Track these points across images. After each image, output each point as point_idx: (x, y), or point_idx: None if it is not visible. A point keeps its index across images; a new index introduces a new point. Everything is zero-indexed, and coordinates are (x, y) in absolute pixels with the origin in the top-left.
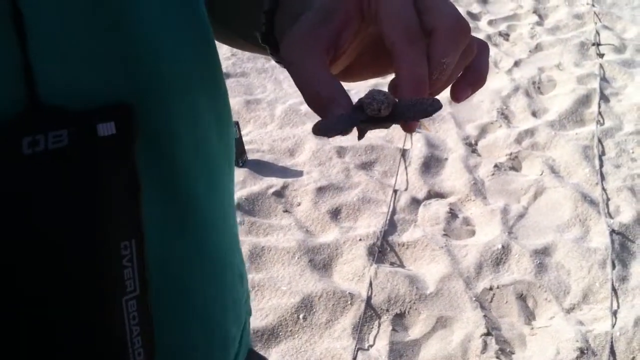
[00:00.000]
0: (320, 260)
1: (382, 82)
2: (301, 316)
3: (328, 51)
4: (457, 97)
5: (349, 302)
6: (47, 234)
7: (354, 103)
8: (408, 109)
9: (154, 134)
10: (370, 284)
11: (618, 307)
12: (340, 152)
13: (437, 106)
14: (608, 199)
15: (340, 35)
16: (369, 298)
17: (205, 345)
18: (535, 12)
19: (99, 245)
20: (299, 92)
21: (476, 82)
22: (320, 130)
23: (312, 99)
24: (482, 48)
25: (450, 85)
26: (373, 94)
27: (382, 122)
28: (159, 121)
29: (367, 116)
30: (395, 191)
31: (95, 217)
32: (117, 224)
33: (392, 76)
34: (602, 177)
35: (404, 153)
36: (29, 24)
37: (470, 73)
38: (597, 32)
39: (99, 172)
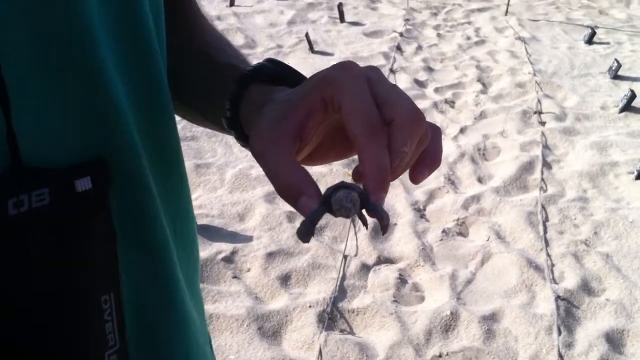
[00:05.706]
0: (270, 328)
1: None
2: None
3: (294, 142)
4: (415, 179)
5: None
6: (33, 294)
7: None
8: (377, 214)
9: (127, 186)
10: (320, 353)
11: None
12: (291, 217)
13: (388, 222)
14: (553, 265)
15: (304, 127)
16: None
17: None
18: (479, 80)
19: (82, 302)
20: (250, 157)
21: (432, 164)
22: (302, 238)
23: (282, 191)
24: (435, 132)
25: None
26: (341, 200)
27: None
28: (132, 174)
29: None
30: (345, 257)
31: (78, 272)
32: (98, 278)
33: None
34: (547, 243)
35: (353, 218)
36: (13, 92)
37: (427, 157)
38: (539, 101)
39: (79, 227)
